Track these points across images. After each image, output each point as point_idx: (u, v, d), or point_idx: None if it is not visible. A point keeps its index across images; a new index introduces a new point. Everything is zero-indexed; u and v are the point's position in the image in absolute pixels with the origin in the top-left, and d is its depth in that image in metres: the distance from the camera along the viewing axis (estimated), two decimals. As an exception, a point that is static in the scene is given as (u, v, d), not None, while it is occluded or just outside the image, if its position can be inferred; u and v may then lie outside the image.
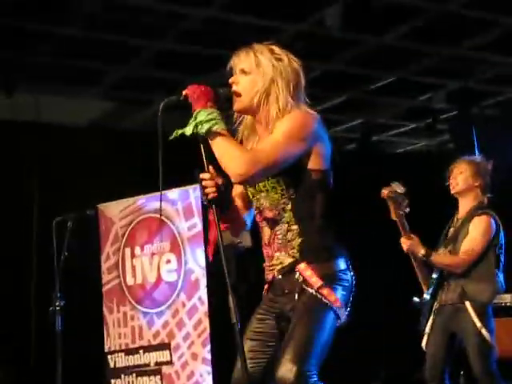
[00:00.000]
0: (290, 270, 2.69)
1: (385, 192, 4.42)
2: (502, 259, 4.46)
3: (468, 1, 5.65)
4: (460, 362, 4.62)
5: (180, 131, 2.57)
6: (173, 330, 6.13)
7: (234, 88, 2.71)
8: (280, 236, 2.71)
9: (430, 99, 7.98)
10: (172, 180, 6.36)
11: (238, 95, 2.71)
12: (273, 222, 2.73)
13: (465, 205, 4.59)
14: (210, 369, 5.89)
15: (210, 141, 2.56)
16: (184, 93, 2.61)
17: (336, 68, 6.78)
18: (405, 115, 8.45)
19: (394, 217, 4.41)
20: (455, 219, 4.63)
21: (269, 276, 2.79)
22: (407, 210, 4.41)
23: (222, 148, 2.54)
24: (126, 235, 6.43)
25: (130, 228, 6.42)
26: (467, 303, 4.35)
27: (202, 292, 6.00)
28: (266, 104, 2.67)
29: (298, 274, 2.66)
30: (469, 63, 6.99)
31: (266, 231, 2.76)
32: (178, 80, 7.02)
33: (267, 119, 2.67)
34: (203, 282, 6.00)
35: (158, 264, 6.28)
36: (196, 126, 2.54)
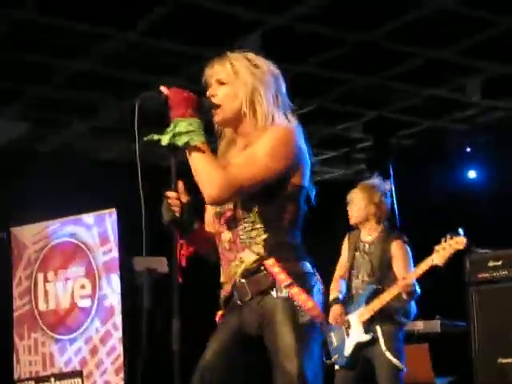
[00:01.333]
0: (254, 270, 2.47)
1: None
2: None
3: (387, 32, 5.77)
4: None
5: (156, 137, 2.39)
6: (85, 357, 6.00)
7: (213, 100, 2.53)
8: (243, 235, 2.49)
9: (348, 128, 8.10)
10: (88, 204, 6.32)
11: (218, 107, 2.52)
12: (235, 221, 2.51)
13: (366, 233, 4.62)
14: (122, 397, 5.79)
15: (187, 154, 2.38)
16: (165, 93, 2.41)
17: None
18: (322, 144, 8.55)
19: None
20: (361, 245, 4.65)
21: (227, 288, 2.55)
22: None
23: (198, 165, 2.37)
24: (39, 260, 6.29)
25: (44, 252, 6.29)
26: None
27: (117, 318, 5.90)
28: (250, 114, 2.52)
29: (263, 272, 2.45)
30: (386, 93, 7.13)
31: (226, 236, 2.54)
32: (96, 102, 6.97)
33: (253, 130, 2.52)
34: (118, 308, 5.91)
35: (72, 289, 6.15)
36: (174, 136, 2.36)
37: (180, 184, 2.47)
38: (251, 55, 2.59)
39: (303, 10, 5.35)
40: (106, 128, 7.57)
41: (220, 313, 2.61)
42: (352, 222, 4.66)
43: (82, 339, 6.02)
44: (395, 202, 7.93)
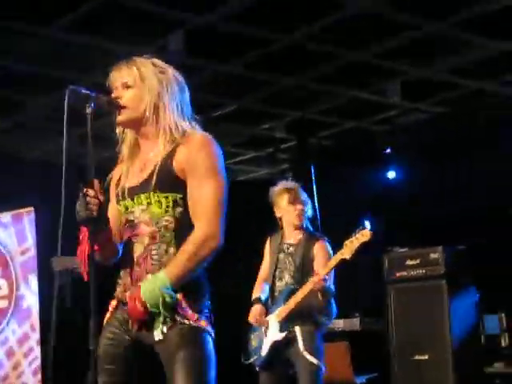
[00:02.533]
0: None
1: None
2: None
3: (310, 34, 5.81)
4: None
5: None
6: (1, 359, 5.85)
7: (119, 102, 2.58)
8: (155, 257, 2.52)
9: (272, 128, 8.14)
10: (4, 203, 6.17)
11: (123, 108, 2.59)
12: (149, 239, 2.53)
13: (290, 235, 4.66)
14: (40, 399, 5.68)
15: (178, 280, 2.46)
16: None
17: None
18: (247, 143, 8.58)
19: None
20: (284, 246, 4.68)
21: (124, 294, 2.56)
22: None
23: (186, 267, 2.46)
24: (-47, 260, 6.10)
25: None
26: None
27: (35, 320, 5.77)
28: (154, 119, 2.58)
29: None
30: (309, 94, 7.19)
31: (138, 248, 2.55)
32: (17, 100, 6.81)
33: (155, 135, 2.59)
34: (36, 308, 5.78)
35: (-13, 290, 6.00)
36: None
37: (96, 182, 2.45)
38: (158, 61, 2.66)
39: (227, 10, 5.34)
40: (29, 126, 7.42)
41: (114, 303, 2.65)
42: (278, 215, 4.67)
43: (-2, 341, 5.88)
44: (316, 202, 8.02)
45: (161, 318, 2.45)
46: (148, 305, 2.43)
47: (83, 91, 2.49)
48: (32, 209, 5.84)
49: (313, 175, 8.16)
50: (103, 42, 5.70)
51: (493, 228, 6.58)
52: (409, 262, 5.59)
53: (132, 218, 2.57)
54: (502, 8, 5.39)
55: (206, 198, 2.49)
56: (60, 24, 5.42)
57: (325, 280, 4.35)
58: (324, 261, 4.48)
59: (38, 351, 5.74)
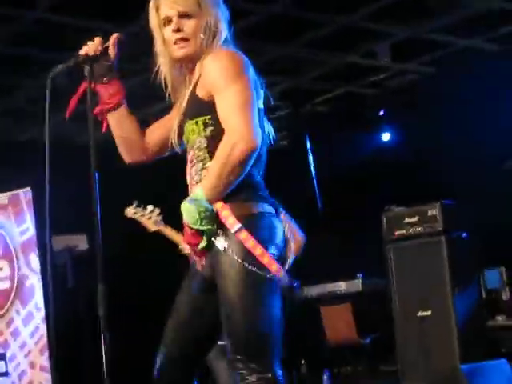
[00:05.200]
0: None
1: (128, 213, 4.44)
2: None
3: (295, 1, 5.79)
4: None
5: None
6: (8, 339, 5.89)
7: (179, 35, 2.44)
8: (195, 176, 2.45)
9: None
10: (2, 185, 6.16)
11: (186, 40, 2.44)
12: (190, 163, 2.49)
13: None
14: (49, 376, 5.71)
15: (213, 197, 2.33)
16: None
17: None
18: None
19: (151, 229, 4.39)
20: None
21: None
22: (160, 217, 4.39)
23: (218, 175, 2.31)
24: (-48, 244, 6.11)
25: (-42, 237, 6.11)
26: None
27: (38, 298, 5.80)
28: (209, 44, 2.45)
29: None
30: (299, 61, 7.17)
31: (188, 171, 2.51)
32: (9, 83, 6.79)
33: (205, 58, 2.44)
34: (38, 287, 5.80)
35: (-12, 272, 6.02)
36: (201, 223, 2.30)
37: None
38: None
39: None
40: (20, 108, 7.40)
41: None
42: None
43: (4, 322, 5.90)
44: (312, 168, 8.03)
45: (205, 237, 2.33)
46: (191, 224, 2.30)
47: (62, 65, 2.45)
48: (29, 189, 5.84)
49: (308, 143, 8.16)
50: (83, 21, 5.66)
51: (489, 182, 6.60)
52: (407, 220, 5.59)
53: (187, 147, 2.54)
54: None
55: (228, 104, 2.34)
56: (41, 5, 5.40)
57: None
58: None
59: (43, 329, 5.77)
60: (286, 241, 2.43)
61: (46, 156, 2.39)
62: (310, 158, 8.14)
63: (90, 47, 2.46)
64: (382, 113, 8.09)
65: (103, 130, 2.56)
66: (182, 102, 2.53)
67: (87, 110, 2.39)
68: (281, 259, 2.37)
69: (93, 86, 2.44)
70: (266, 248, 2.32)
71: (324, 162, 8.05)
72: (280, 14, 6.00)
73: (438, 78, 7.40)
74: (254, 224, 2.34)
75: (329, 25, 6.33)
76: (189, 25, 2.44)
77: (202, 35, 2.44)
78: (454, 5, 6.12)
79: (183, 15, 2.44)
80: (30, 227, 5.88)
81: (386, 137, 8.13)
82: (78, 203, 4.90)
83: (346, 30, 6.48)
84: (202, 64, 2.43)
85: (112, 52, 2.51)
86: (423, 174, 7.23)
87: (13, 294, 5.92)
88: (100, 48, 2.47)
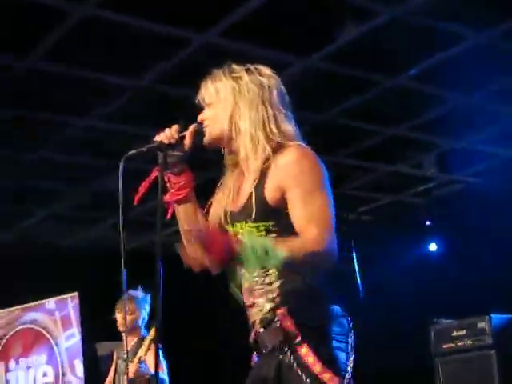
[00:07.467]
0: (270, 320, 2.26)
1: None
2: None
3: (342, 111, 5.89)
4: None
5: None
6: None
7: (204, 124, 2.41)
8: (259, 281, 2.29)
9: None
10: (49, 290, 6.22)
11: (206, 126, 2.40)
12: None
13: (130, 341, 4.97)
14: None
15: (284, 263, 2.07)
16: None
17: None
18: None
19: None
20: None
21: (252, 335, 2.34)
22: None
23: (296, 255, 2.10)
24: (-1, 349, 6.15)
25: (4, 341, 6.15)
26: None
27: (81, 405, 5.76)
28: (236, 132, 2.35)
29: (277, 323, 2.24)
30: (345, 171, 7.23)
31: (247, 277, 2.31)
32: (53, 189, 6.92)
33: (245, 149, 2.33)
34: (82, 394, 5.77)
35: (33, 378, 6.01)
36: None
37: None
38: (236, 67, 2.41)
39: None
40: (65, 215, 7.50)
41: (253, 355, 2.39)
42: (121, 329, 4.93)
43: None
44: (358, 276, 7.96)
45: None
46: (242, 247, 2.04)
47: (135, 151, 2.37)
48: (76, 294, 5.90)
49: (353, 250, 8.13)
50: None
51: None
52: (455, 333, 5.49)
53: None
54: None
55: (315, 210, 2.21)
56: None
57: None
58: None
59: None
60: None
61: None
62: (356, 267, 8.09)
63: (167, 135, 2.36)
64: (428, 223, 8.07)
65: (168, 216, 2.40)
66: (240, 192, 2.40)
67: (157, 202, 2.28)
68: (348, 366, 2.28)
69: (164, 174, 2.34)
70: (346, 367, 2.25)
71: (369, 272, 7.98)
72: (327, 123, 6.08)
73: (485, 189, 7.39)
74: (315, 337, 2.25)
75: (377, 135, 6.40)
76: (206, 114, 2.44)
77: (220, 123, 2.38)
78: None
79: (206, 105, 2.45)
80: (76, 333, 5.90)
81: (432, 247, 8.09)
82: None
83: (392, 141, 6.55)
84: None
85: (188, 142, 2.39)
86: (470, 285, 7.11)
87: (56, 400, 5.90)
88: (176, 136, 2.36)
